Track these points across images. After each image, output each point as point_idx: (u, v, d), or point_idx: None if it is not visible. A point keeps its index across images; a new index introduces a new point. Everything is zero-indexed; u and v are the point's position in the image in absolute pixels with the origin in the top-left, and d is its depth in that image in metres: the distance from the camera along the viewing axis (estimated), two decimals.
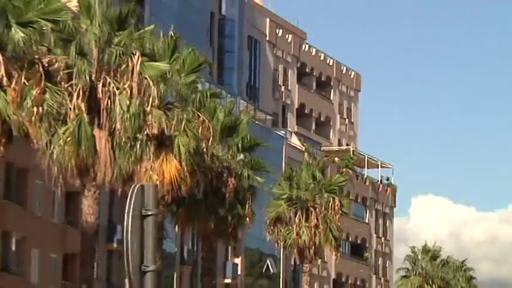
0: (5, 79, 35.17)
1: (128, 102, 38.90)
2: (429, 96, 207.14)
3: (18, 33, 35.83)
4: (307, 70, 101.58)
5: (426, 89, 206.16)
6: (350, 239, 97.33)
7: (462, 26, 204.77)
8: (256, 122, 64.06)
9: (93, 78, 39.36)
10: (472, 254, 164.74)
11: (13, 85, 35.48)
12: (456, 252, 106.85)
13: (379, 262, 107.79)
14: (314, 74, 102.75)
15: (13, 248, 56.09)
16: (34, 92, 36.85)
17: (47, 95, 37.29)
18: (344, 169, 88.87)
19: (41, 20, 36.51)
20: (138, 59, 39.72)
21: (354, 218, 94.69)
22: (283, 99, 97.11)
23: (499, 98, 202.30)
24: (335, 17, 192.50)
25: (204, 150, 44.21)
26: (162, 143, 41.08)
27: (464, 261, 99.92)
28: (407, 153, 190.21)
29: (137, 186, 12.62)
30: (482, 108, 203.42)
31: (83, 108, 38.60)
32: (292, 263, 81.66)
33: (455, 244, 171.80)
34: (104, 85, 39.40)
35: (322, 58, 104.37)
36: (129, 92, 39.15)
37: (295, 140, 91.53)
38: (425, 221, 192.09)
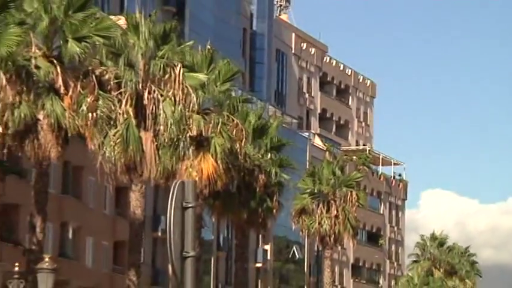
0: (62, 88, 35.35)
1: (171, 108, 39.09)
2: (435, 102, 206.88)
3: (74, 48, 36.01)
4: (328, 79, 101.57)
5: (432, 96, 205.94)
6: (366, 228, 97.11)
7: (473, 35, 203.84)
8: (283, 125, 63.85)
9: (139, 87, 39.55)
10: (475, 242, 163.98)
11: (70, 93, 35.67)
12: (461, 240, 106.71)
13: (393, 248, 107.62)
14: (334, 82, 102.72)
15: (70, 236, 56.38)
16: (88, 99, 37.05)
17: (100, 102, 37.48)
18: (361, 166, 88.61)
19: (94, 35, 36.70)
20: (179, 70, 39.90)
21: (370, 209, 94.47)
22: (307, 105, 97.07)
23: (501, 102, 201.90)
24: (353, 31, 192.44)
25: (238, 150, 44.23)
26: (201, 143, 41.17)
27: (468, 247, 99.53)
28: (417, 152, 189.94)
29: (178, 182, 12.66)
30: (485, 112, 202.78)
31: (131, 113, 38.78)
32: (315, 249, 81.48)
33: (460, 233, 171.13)
34: (149, 93, 39.60)
35: (341, 68, 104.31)
36: (172, 99, 39.33)
37: (317, 141, 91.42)
38: (433, 212, 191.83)
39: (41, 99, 34.11)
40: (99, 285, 58.09)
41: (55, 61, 35.58)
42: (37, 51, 34.83)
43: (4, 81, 31.07)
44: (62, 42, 36.36)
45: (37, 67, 34.21)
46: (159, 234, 62.97)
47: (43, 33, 36.00)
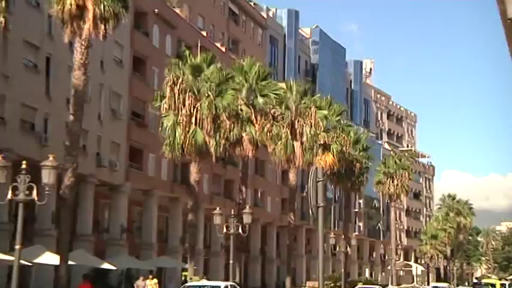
0: (254, 120, 35.69)
1: (309, 129, 39.00)
2: (453, 123, 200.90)
3: (260, 100, 36.32)
4: (391, 113, 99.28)
5: (450, 119, 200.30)
6: (413, 191, 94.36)
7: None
8: (369, 137, 62.79)
9: (293, 119, 39.58)
10: (471, 197, 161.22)
11: (258, 123, 35.94)
12: (463, 196, 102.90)
13: (427, 201, 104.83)
14: (395, 114, 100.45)
15: (259, 196, 56.40)
16: (268, 126, 37.25)
17: (274, 127, 37.65)
18: (410, 158, 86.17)
19: (270, 93, 36.89)
20: (313, 109, 39.78)
21: (415, 181, 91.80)
22: (380, 127, 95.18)
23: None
24: (404, 85, 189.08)
25: (345, 150, 43.68)
26: (325, 147, 40.88)
27: (467, 200, 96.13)
28: (440, 149, 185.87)
29: (314, 167, 12.60)
30: (484, 122, 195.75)
31: (288, 133, 38.86)
32: (386, 201, 79.71)
33: (463, 192, 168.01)
34: (298, 122, 39.62)
35: (398, 107, 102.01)
36: (310, 124, 39.23)
37: (386, 146, 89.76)
38: (448, 182, 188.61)
39: (244, 126, 34.46)
40: (274, 221, 58.24)
41: (250, 107, 35.93)
42: (241, 101, 35.22)
43: (225, 118, 31.45)
44: (254, 97, 36.67)
45: (241, 110, 34.60)
46: (304, 194, 62.55)
47: (244, 92, 36.36)
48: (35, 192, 16.72)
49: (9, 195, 16.89)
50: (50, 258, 26.00)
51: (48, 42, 31.27)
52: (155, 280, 31.12)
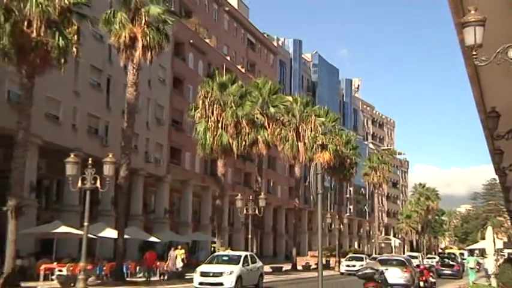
0: (267, 125, 35.51)
1: (310, 133, 38.77)
2: (423, 128, 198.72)
3: (272, 110, 36.15)
4: (374, 120, 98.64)
5: (421, 124, 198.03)
6: (392, 181, 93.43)
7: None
8: (357, 139, 62.19)
9: (297, 124, 39.34)
10: (438, 185, 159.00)
11: (270, 127, 35.81)
12: (431, 184, 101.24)
13: (403, 189, 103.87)
14: (377, 121, 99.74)
15: (271, 185, 55.84)
16: (278, 130, 37.07)
17: (282, 131, 37.44)
18: (389, 155, 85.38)
19: (279, 104, 36.73)
20: (313, 117, 39.56)
21: (393, 173, 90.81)
22: (366, 130, 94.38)
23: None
24: (385, 96, 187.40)
25: (338, 149, 43.39)
26: (323, 147, 40.61)
27: (434, 188, 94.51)
28: (413, 148, 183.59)
29: (314, 163, 12.49)
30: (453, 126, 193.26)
31: (294, 135, 38.66)
32: (371, 189, 79.07)
33: (431, 181, 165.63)
34: (301, 127, 39.36)
35: (380, 115, 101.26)
36: (310, 129, 39.02)
37: (371, 145, 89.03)
38: (420, 173, 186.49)
39: (259, 130, 34.33)
40: (283, 204, 57.86)
41: (264, 115, 35.81)
42: (257, 111, 35.14)
43: (245, 124, 31.43)
44: (267, 107, 36.51)
45: (257, 118, 34.49)
46: (306, 184, 61.88)
47: (259, 104, 36.23)
48: (98, 182, 17.08)
49: (79, 184, 17.25)
50: (110, 233, 26.28)
51: (108, 66, 31.67)
52: (182, 250, 31.17)
